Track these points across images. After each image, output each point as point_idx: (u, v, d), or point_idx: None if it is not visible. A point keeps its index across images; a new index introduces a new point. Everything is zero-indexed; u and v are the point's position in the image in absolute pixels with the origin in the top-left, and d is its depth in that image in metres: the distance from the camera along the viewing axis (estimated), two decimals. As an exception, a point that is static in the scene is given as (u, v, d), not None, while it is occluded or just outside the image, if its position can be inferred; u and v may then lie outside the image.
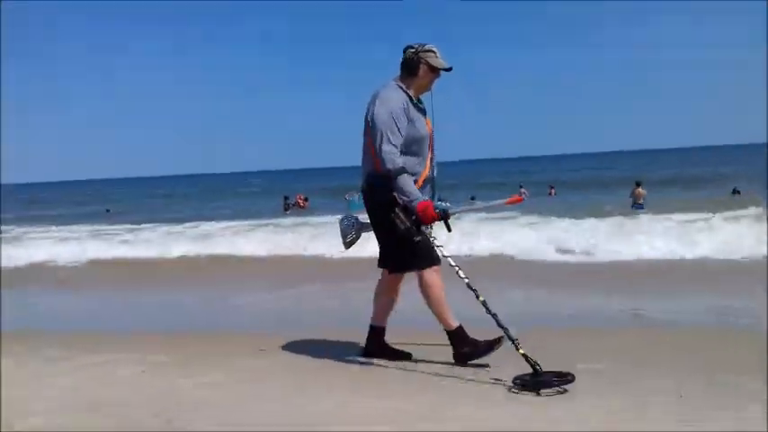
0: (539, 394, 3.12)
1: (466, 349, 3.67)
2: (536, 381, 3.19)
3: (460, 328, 3.68)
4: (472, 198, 20.78)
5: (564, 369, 3.25)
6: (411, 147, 3.64)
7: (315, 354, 4.08)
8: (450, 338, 3.71)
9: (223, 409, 3.10)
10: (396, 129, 3.54)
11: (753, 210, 10.58)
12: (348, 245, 4.10)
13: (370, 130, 3.61)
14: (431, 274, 3.65)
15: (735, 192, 18.80)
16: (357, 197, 24.83)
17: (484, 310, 3.46)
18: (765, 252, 7.36)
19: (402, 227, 3.55)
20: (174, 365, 3.96)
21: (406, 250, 3.62)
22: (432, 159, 3.79)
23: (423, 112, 3.75)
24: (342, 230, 4.09)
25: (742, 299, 5.62)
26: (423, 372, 3.59)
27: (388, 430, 2.74)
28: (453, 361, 3.69)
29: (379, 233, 3.78)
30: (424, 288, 3.68)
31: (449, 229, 3.67)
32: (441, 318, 3.69)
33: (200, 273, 8.91)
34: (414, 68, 3.66)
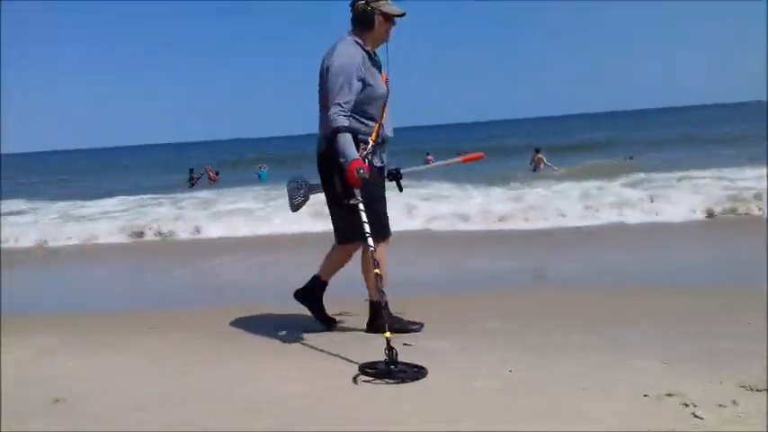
0: (387, 382, 2.92)
1: (381, 322, 3.49)
2: (387, 369, 2.99)
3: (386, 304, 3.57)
4: None
5: (470, 329, 3.39)
6: (369, 106, 3.48)
7: (205, 330, 3.99)
8: (371, 309, 3.67)
9: (115, 390, 2.96)
10: (347, 88, 3.37)
11: (642, 175, 11.19)
12: (296, 207, 3.92)
13: (325, 86, 3.46)
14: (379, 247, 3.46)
15: (629, 158, 19.71)
16: (267, 169, 24.22)
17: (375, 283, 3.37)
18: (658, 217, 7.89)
19: (338, 189, 3.43)
20: (63, 348, 3.75)
21: (353, 217, 3.39)
22: (384, 117, 3.58)
23: (379, 67, 3.57)
24: (289, 192, 3.90)
25: (636, 258, 6.00)
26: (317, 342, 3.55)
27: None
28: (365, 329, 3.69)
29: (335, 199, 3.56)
30: (366, 257, 3.51)
31: (400, 189, 3.69)
32: (372, 287, 3.56)
33: (89, 252, 8.52)
34: (368, 21, 3.47)
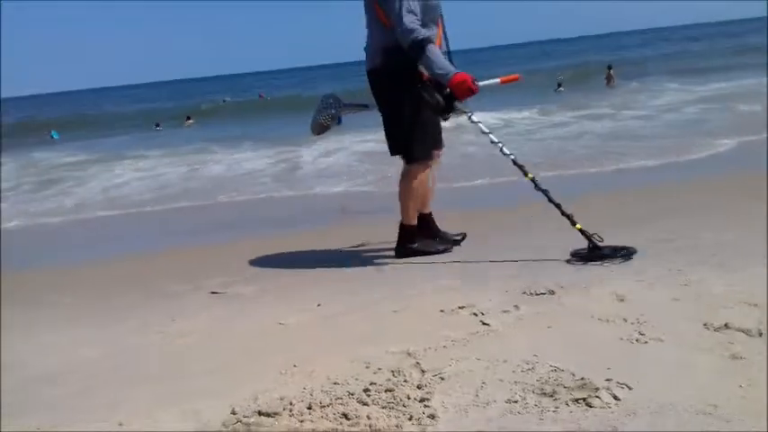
0: (603, 264, 3.07)
1: (415, 245, 3.64)
2: (595, 253, 3.14)
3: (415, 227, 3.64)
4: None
5: (276, 274, 3.38)
6: (426, 16, 3.31)
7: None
8: (400, 231, 3.66)
9: None
10: None
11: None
12: (321, 128, 3.66)
13: None
14: (421, 172, 3.52)
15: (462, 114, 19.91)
16: (58, 135, 22.01)
17: (533, 186, 3.34)
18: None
19: (432, 102, 3.29)
20: None
21: (416, 132, 3.43)
22: (443, 30, 3.48)
23: None
24: (317, 108, 3.65)
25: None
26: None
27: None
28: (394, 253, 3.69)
29: (395, 114, 3.45)
30: (404, 185, 3.55)
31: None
32: (405, 212, 3.61)
33: None
34: None
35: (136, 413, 1.99)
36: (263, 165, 9.22)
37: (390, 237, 3.81)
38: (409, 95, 3.35)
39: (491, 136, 3.45)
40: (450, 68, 3.24)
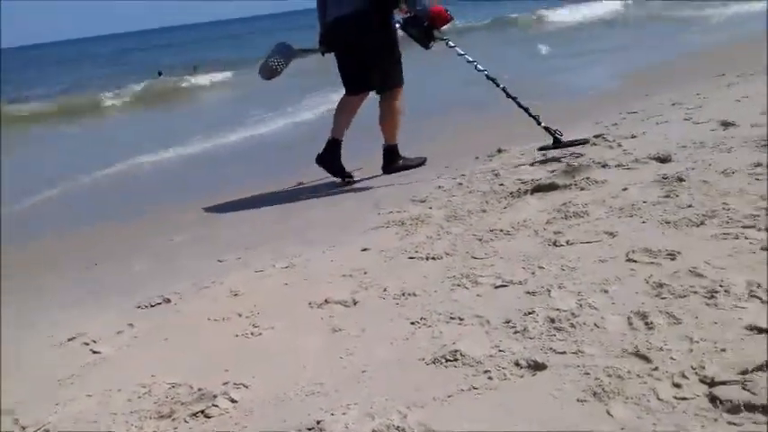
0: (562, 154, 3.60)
1: (399, 162, 4.20)
2: (560, 145, 3.68)
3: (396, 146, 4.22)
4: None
5: None
6: None
7: None
8: (386, 153, 4.20)
9: None
10: None
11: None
12: (270, 73, 3.83)
13: None
14: (400, 93, 4.08)
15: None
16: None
17: (504, 95, 3.88)
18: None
19: (419, 35, 3.80)
20: None
21: (391, 66, 4.01)
22: None
23: None
24: (267, 54, 3.87)
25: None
26: None
27: None
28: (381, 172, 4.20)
29: (360, 53, 3.92)
30: (389, 107, 4.07)
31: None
32: (390, 133, 4.15)
33: None
34: None
35: None
36: None
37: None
38: (388, 34, 3.93)
39: (467, 56, 3.97)
40: (427, 3, 3.80)
